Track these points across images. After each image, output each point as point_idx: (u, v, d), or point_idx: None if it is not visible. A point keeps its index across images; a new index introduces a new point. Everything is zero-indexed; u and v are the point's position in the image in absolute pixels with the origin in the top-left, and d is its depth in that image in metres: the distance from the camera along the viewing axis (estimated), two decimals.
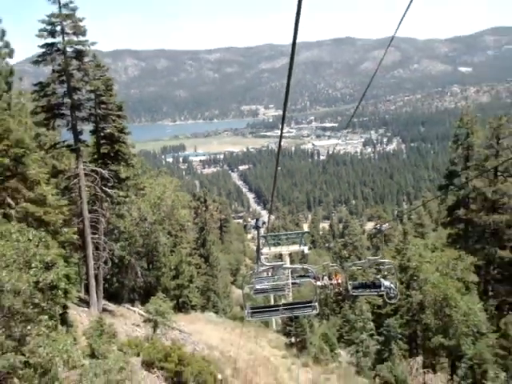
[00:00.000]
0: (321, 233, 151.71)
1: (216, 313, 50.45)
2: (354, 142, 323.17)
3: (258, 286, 21.47)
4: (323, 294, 29.41)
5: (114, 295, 43.04)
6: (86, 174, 35.58)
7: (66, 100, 34.77)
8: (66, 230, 26.69)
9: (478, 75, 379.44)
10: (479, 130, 53.45)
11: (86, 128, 36.84)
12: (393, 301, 21.31)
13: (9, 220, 25.08)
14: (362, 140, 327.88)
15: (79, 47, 34.30)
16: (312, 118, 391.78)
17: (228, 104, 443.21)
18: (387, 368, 39.07)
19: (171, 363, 28.66)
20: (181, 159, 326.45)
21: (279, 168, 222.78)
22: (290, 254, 43.46)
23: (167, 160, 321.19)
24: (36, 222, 24.79)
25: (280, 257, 45.10)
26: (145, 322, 36.05)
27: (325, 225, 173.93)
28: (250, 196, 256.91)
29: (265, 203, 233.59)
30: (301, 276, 26.07)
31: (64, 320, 29.15)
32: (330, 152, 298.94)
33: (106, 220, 37.38)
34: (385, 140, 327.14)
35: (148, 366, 29.35)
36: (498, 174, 51.24)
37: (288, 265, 31.78)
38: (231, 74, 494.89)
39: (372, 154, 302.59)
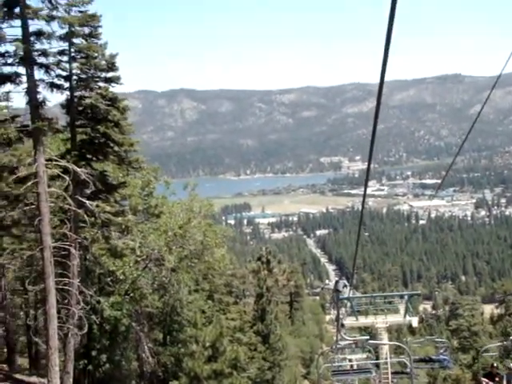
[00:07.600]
0: (422, 315, 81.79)
1: None
2: (463, 203, 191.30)
3: (337, 365, 13.93)
4: None
5: (102, 382, 18.29)
6: (49, 175, 13.77)
7: (20, 51, 13.79)
8: None
9: None
10: None
11: (55, 98, 14.88)
12: None
13: None
14: (474, 201, 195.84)
15: None
16: (409, 173, 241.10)
17: (304, 155, 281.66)
18: None
19: None
20: (245, 221, 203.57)
21: (366, 234, 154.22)
22: (389, 328, 17.95)
23: (228, 222, 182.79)
24: None
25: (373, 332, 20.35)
26: None
27: (426, 306, 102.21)
28: (330, 268, 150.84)
29: (348, 277, 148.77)
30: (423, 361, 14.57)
31: None
32: (432, 215, 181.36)
33: (83, 253, 14.59)
34: (503, 201, 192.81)
35: None
36: None
37: (385, 341, 15.47)
38: (309, 119, 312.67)
39: (487, 219, 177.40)
